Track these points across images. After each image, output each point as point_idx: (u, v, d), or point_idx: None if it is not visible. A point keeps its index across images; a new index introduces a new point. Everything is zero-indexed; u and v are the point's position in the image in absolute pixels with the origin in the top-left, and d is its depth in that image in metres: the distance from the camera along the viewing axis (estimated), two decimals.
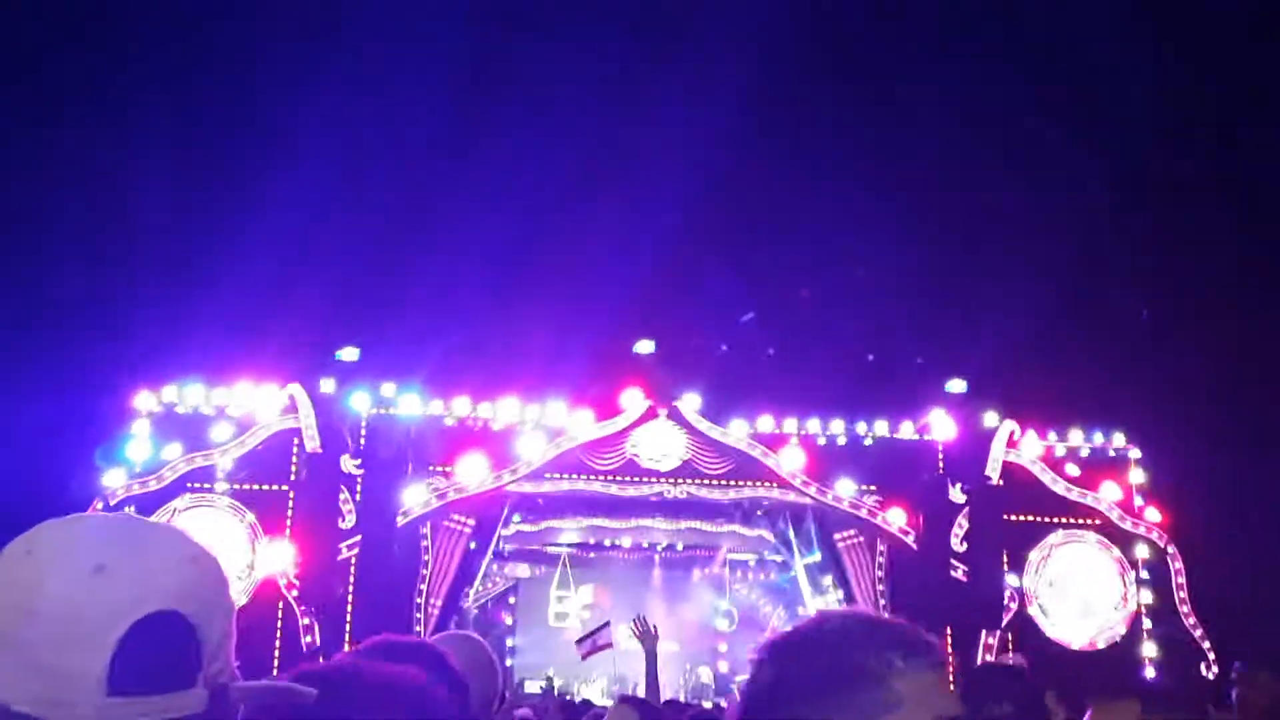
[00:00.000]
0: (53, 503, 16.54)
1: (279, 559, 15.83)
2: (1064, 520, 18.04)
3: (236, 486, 16.18)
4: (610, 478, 17.33)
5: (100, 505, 15.57)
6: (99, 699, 1.32)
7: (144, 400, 16.39)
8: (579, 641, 16.67)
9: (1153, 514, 18.22)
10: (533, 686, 19.79)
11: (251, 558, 15.91)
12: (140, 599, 1.37)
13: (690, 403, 17.51)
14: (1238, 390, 19.50)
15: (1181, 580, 17.94)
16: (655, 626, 6.51)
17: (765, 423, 17.70)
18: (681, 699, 17.88)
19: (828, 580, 18.51)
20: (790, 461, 17.33)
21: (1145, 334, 20.41)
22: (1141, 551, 18.06)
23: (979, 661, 16.64)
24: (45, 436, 17.89)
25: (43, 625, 1.35)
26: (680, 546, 20.95)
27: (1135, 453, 18.75)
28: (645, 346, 18.01)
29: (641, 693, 7.31)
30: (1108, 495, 18.12)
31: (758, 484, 17.61)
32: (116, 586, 1.38)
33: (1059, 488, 18.00)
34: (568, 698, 16.78)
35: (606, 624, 17.90)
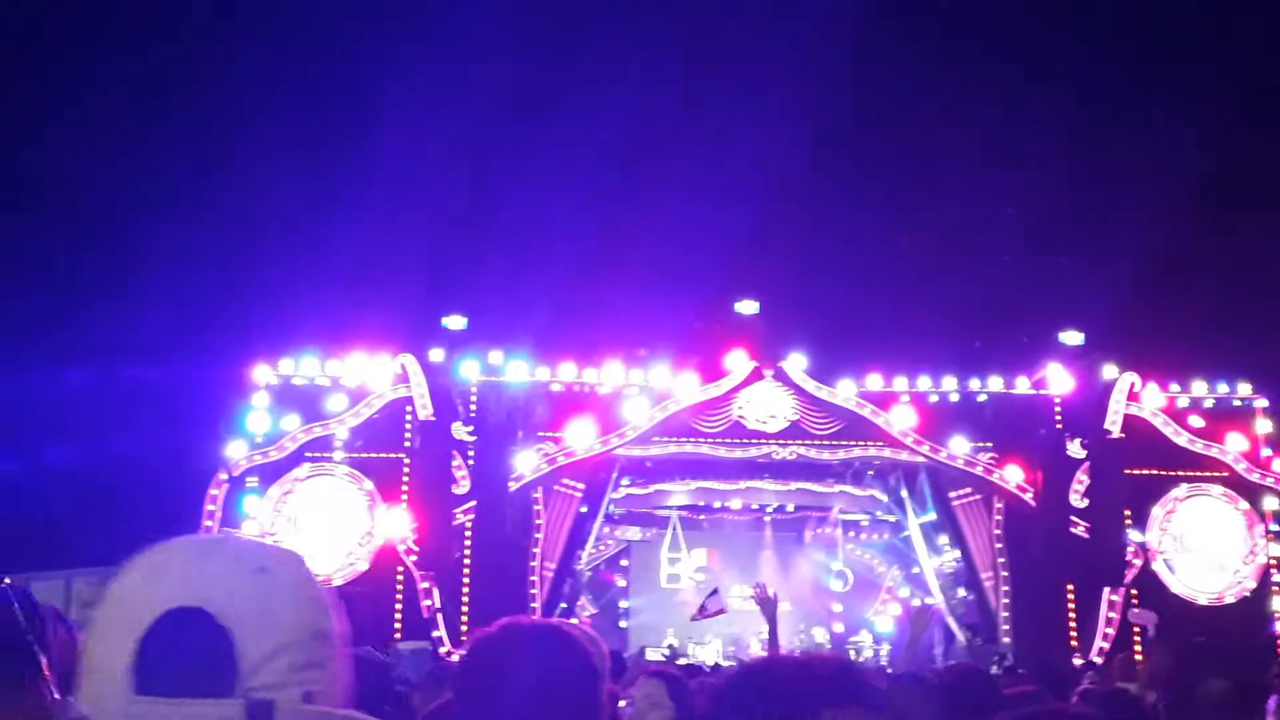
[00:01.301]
0: (179, 475, 17.15)
1: (397, 525, 16.17)
2: (1188, 473, 17.48)
3: (354, 455, 16.53)
4: (717, 440, 17.29)
5: (225, 475, 16.09)
6: (125, 696, 1.28)
7: (262, 373, 16.81)
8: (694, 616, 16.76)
9: None
10: (654, 655, 19.86)
11: (371, 524, 16.27)
12: (171, 595, 1.32)
13: (796, 363, 17.34)
14: None
15: None
16: (775, 593, 6.47)
17: (874, 381, 17.46)
18: None
19: (943, 540, 18.25)
20: (901, 420, 17.08)
21: (1269, 279, 19.55)
22: (1271, 504, 17.43)
23: (1101, 619, 16.29)
24: (169, 410, 18.51)
25: (97, 617, 1.35)
26: (791, 508, 20.81)
27: (1262, 401, 18.06)
28: (749, 306, 17.87)
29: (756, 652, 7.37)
30: (1234, 446, 17.50)
31: (868, 444, 17.40)
32: (155, 580, 1.34)
33: (1182, 440, 17.44)
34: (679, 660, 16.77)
35: (715, 591, 17.91)
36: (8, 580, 1.94)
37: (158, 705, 1.28)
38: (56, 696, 1.74)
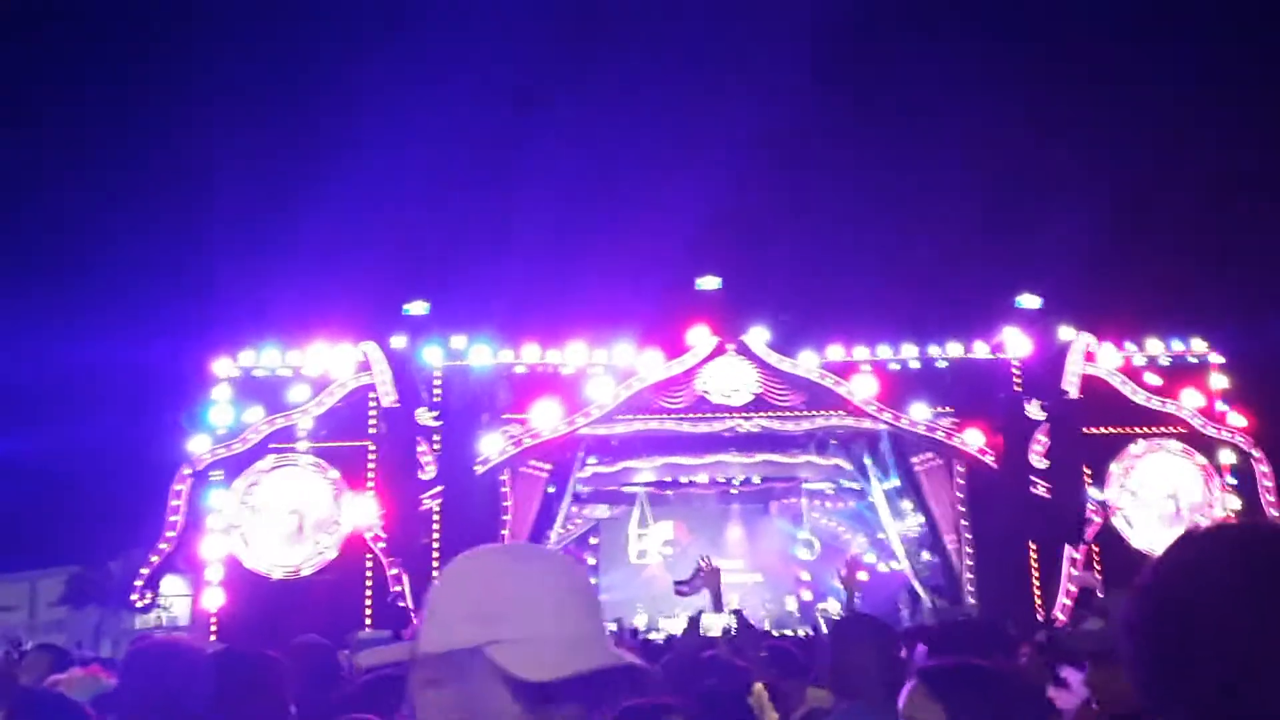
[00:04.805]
0: (141, 471, 17.09)
1: (364, 513, 16.18)
2: (1145, 430, 17.77)
3: (318, 445, 16.52)
4: (682, 416, 17.40)
5: (189, 470, 16.04)
6: None
7: (223, 366, 16.75)
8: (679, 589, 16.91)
9: (1236, 419, 17.87)
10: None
11: (337, 513, 16.28)
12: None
13: (758, 336, 17.46)
14: None
15: (1269, 484, 17.63)
16: (710, 561, 6.86)
17: (835, 352, 17.61)
18: (767, 627, 18.06)
19: (907, 505, 18.47)
20: (863, 389, 17.25)
21: (1222, 237, 19.89)
22: (1227, 457, 17.76)
23: (1064, 576, 16.57)
24: (131, 407, 18.42)
25: None
26: (757, 480, 21.01)
27: (1217, 357, 18.37)
28: (710, 282, 17.96)
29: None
30: (1189, 402, 17.80)
31: (831, 413, 17.57)
32: None
33: (1139, 398, 17.72)
34: (641, 635, 16.90)
35: (700, 569, 18.03)
36: None
37: None
38: None
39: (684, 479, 20.71)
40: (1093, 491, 17.29)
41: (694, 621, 4.98)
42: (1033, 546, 17.01)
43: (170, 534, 16.01)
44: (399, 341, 16.85)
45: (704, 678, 4.78)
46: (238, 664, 2.91)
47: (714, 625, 7.89)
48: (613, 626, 17.54)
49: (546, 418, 16.78)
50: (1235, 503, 17.63)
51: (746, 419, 17.56)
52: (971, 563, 17.41)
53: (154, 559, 16.04)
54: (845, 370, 17.51)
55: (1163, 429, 17.81)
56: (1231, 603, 1.22)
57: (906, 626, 13.86)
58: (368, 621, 15.40)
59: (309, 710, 2.98)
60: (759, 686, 4.33)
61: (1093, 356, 17.65)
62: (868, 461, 18.79)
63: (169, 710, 2.75)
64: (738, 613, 6.74)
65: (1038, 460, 17.04)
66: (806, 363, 17.40)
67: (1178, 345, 18.47)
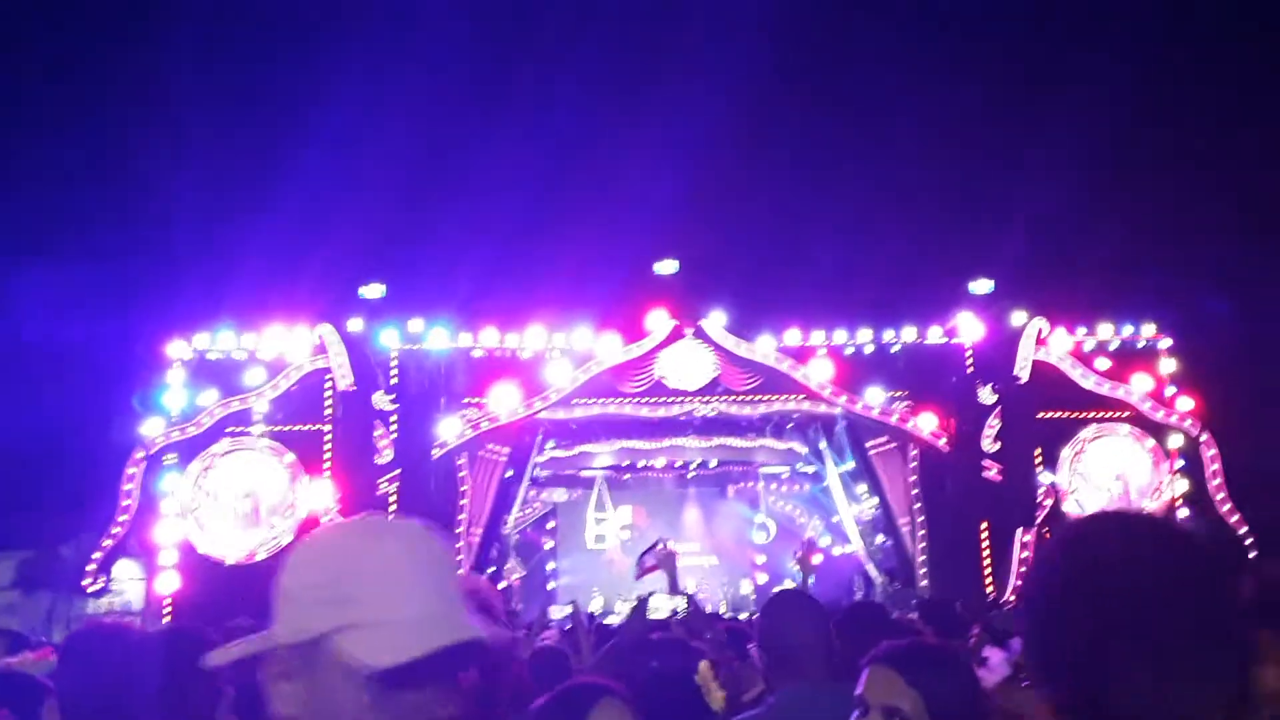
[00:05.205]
0: (94, 452, 16.92)
1: (320, 497, 16.12)
2: (1096, 414, 18.04)
3: (274, 429, 16.44)
4: (640, 400, 17.46)
5: (142, 454, 15.90)
6: None
7: (177, 348, 16.61)
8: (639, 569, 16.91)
9: (1185, 403, 18.17)
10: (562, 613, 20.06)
11: (293, 497, 16.21)
12: None
13: (716, 320, 17.53)
14: (1267, 270, 19.25)
15: (1216, 467, 17.95)
16: (666, 544, 6.95)
17: (792, 336, 17.72)
18: (722, 611, 18.19)
19: (861, 489, 18.65)
20: (819, 373, 17.38)
21: (1172, 221, 20.15)
22: (1176, 441, 18.06)
23: (1015, 559, 16.80)
24: (83, 389, 18.21)
25: None
26: (714, 464, 21.13)
27: (1166, 342, 18.64)
28: (668, 266, 18.00)
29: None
30: (1139, 387, 18.08)
31: (787, 397, 17.69)
32: None
33: (1089, 382, 17.97)
34: (597, 619, 16.93)
35: (655, 546, 18.10)
36: None
37: None
38: None
39: (642, 463, 20.78)
40: (1044, 475, 17.53)
41: (641, 604, 5.01)
42: (985, 529, 17.23)
43: (123, 518, 15.88)
44: (355, 324, 16.75)
45: (651, 660, 4.82)
46: (177, 643, 2.94)
47: (663, 608, 7.96)
48: (568, 610, 17.57)
49: (504, 401, 16.78)
50: (1184, 486, 17.95)
51: (704, 403, 17.66)
52: (924, 545, 17.63)
53: (107, 543, 15.91)
54: (802, 354, 17.63)
55: (1113, 414, 18.08)
56: (1091, 583, 1.28)
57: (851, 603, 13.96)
58: None
59: (246, 692, 3.02)
60: (704, 664, 4.38)
61: (1044, 341, 17.87)
62: (823, 445, 18.95)
63: (106, 690, 2.78)
64: (689, 595, 6.81)
65: (990, 444, 17.24)
66: (763, 347, 17.50)
67: (1128, 329, 18.71)
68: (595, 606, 19.25)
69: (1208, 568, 1.28)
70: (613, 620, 16.00)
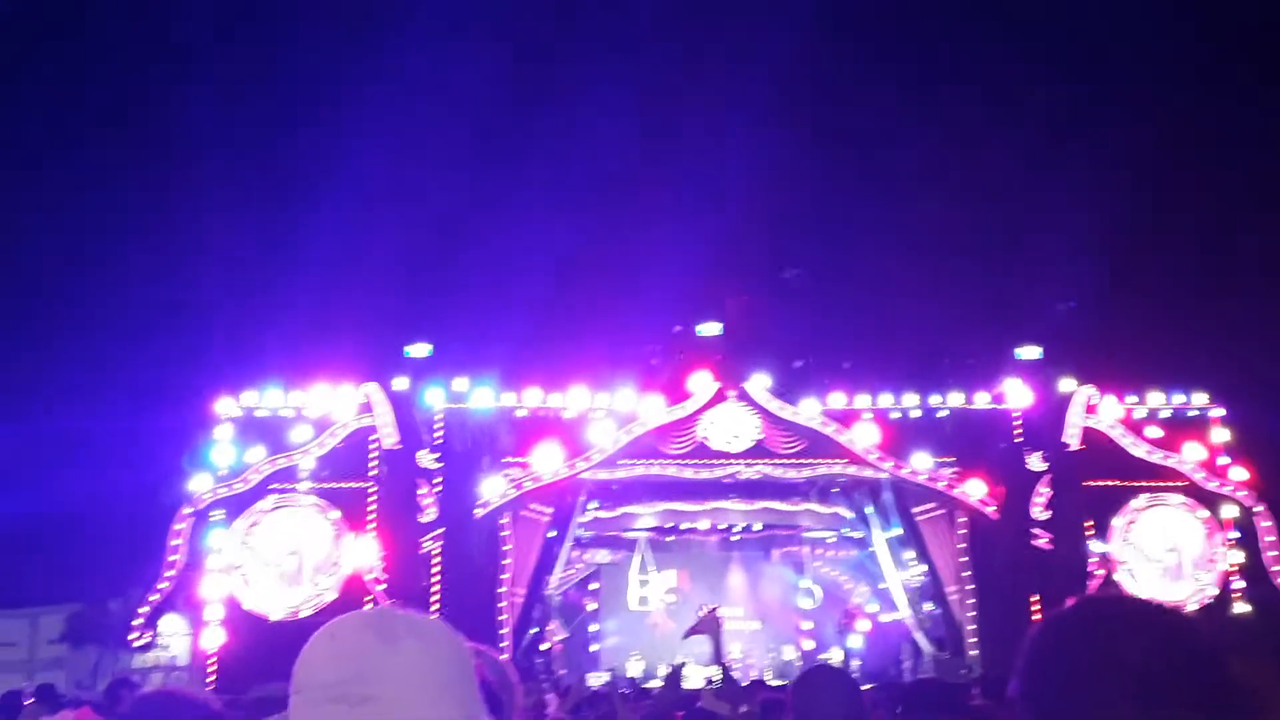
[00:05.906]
0: (143, 509, 17.12)
1: (364, 554, 16.17)
2: (1147, 483, 17.74)
3: (319, 485, 16.54)
4: (683, 461, 17.42)
5: (189, 510, 16.06)
6: None
7: (224, 405, 16.81)
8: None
9: (1239, 473, 17.83)
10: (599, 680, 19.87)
11: (338, 554, 16.26)
12: None
13: (759, 383, 17.50)
14: None
15: (1271, 538, 17.55)
16: (712, 611, 6.85)
17: (837, 399, 17.64)
18: (768, 677, 17.92)
19: (909, 555, 18.40)
20: (864, 437, 17.26)
21: (1222, 290, 19.96)
22: (1229, 511, 17.70)
23: None
24: (132, 445, 18.48)
25: None
26: (758, 527, 20.92)
27: (1218, 411, 18.35)
28: (711, 329, 18.04)
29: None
30: (1191, 456, 17.77)
31: (832, 461, 17.57)
32: None
33: (1140, 451, 17.70)
34: (637, 684, 16.71)
35: (712, 612, 17.94)
36: None
37: None
38: None
39: (685, 525, 20.63)
40: (1095, 545, 17.23)
41: (675, 673, 4.96)
42: (1035, 599, 16.92)
43: (170, 573, 16.01)
44: (401, 383, 16.92)
45: None
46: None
47: (697, 676, 7.88)
48: (606, 676, 17.42)
49: (548, 461, 16.80)
50: (1238, 557, 17.57)
51: (748, 465, 17.58)
52: (974, 614, 17.32)
53: (153, 598, 16.03)
54: (847, 418, 17.53)
55: (1165, 482, 17.77)
56: (1054, 664, 1.37)
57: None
58: None
59: None
60: None
61: (1094, 409, 17.66)
62: (869, 510, 18.76)
63: None
64: (724, 666, 6.72)
65: (1039, 512, 17.00)
66: (808, 410, 17.42)
67: (1179, 398, 18.46)
68: (636, 670, 19.07)
69: (1189, 660, 1.35)
70: (654, 685, 15.85)
